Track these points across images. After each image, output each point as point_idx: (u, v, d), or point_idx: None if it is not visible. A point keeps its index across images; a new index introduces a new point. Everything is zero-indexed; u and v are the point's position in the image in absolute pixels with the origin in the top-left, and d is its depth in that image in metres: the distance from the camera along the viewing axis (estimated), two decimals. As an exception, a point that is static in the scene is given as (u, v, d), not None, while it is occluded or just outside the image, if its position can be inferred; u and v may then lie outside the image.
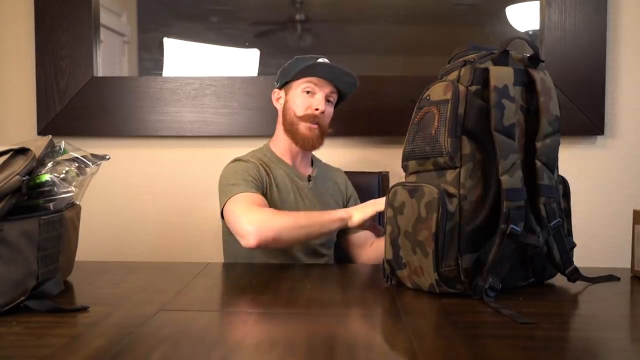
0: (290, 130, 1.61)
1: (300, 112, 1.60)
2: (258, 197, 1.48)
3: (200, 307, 1.09)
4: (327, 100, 1.62)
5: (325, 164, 1.78)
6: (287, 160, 1.65)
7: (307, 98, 1.60)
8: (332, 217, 1.43)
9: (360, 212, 1.43)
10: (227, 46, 2.15)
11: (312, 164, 1.71)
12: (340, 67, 1.60)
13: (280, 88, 1.67)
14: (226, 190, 1.50)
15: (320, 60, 1.61)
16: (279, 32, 2.12)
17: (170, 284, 1.21)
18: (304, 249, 1.60)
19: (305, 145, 1.61)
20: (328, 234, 1.45)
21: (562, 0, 1.96)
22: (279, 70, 1.68)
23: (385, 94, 1.98)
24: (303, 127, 1.59)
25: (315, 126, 1.59)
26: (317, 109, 1.58)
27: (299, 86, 1.61)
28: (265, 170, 1.60)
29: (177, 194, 2.06)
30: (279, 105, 1.67)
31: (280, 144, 1.65)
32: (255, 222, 1.38)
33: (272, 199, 1.58)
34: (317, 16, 2.14)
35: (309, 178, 1.66)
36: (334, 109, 1.69)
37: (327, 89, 1.61)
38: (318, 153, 1.75)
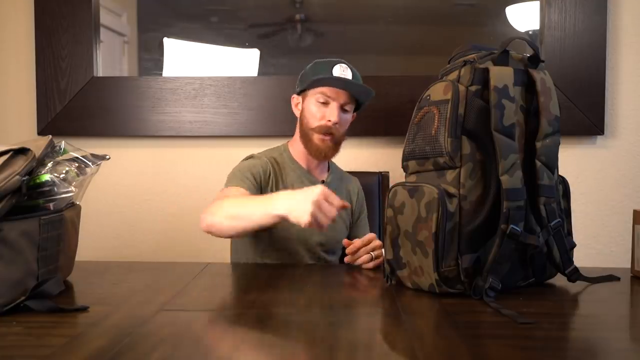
0: (305, 139, 1.61)
1: (313, 123, 1.59)
2: (237, 191, 1.49)
3: (200, 307, 1.09)
4: (343, 110, 1.60)
5: (342, 171, 1.77)
6: (303, 163, 1.65)
7: (320, 108, 1.58)
8: (266, 210, 1.28)
9: (296, 214, 1.22)
10: (227, 46, 2.15)
11: (328, 168, 1.71)
12: (352, 82, 1.57)
13: (298, 94, 1.66)
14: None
15: (336, 68, 1.57)
16: (279, 32, 2.12)
17: (170, 284, 1.21)
18: (309, 256, 1.61)
19: (318, 156, 1.61)
20: (263, 224, 1.31)
21: (562, 0, 1.96)
22: (300, 74, 1.66)
23: (385, 94, 1.98)
24: (316, 138, 1.58)
25: (328, 137, 1.58)
26: (329, 120, 1.57)
27: (314, 95, 1.59)
28: (274, 170, 1.60)
29: (177, 194, 2.06)
30: (297, 112, 1.66)
31: (298, 147, 1.65)
32: (208, 210, 1.40)
33: None
34: (317, 16, 2.14)
35: (323, 182, 1.66)
36: (356, 112, 1.68)
37: (342, 98, 1.58)
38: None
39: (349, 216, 1.71)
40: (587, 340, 0.91)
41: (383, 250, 1.33)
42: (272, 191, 1.57)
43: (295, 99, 1.67)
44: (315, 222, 1.19)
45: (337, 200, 1.22)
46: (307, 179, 1.64)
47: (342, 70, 1.58)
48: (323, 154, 1.60)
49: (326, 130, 1.57)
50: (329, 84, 1.57)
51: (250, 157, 1.64)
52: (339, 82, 1.56)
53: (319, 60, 1.63)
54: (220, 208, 1.39)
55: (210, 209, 1.40)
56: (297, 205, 1.22)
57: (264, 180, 1.57)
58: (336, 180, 1.70)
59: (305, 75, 1.62)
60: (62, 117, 2.02)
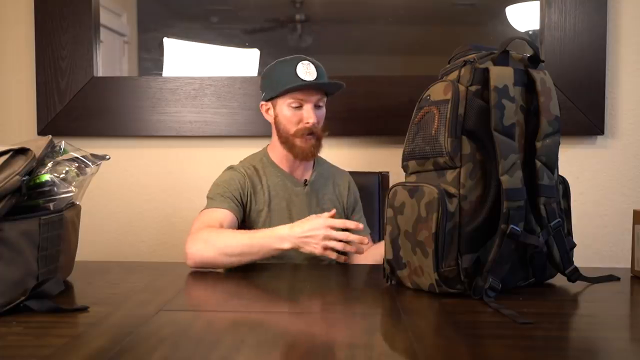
0: (287, 145, 1.60)
1: (292, 128, 1.58)
2: (221, 214, 1.49)
3: (200, 307, 1.09)
4: (317, 106, 1.60)
5: (331, 165, 1.76)
6: (284, 166, 1.65)
7: (295, 112, 1.58)
8: (271, 247, 1.36)
9: (299, 245, 1.36)
10: (227, 46, 2.15)
11: (313, 165, 1.70)
12: (322, 82, 1.57)
13: (267, 101, 1.64)
14: (206, 203, 1.55)
15: (299, 68, 1.55)
16: (279, 32, 2.12)
17: (170, 284, 1.21)
18: (305, 255, 1.60)
19: (305, 157, 1.61)
20: (266, 257, 1.39)
21: (562, 0, 1.96)
22: (261, 77, 1.65)
23: (385, 94, 1.98)
24: (298, 141, 1.58)
25: (310, 136, 1.58)
26: (308, 123, 1.56)
27: (285, 101, 1.58)
28: (252, 182, 1.60)
29: (177, 194, 2.06)
30: (269, 118, 1.65)
31: (277, 152, 1.64)
32: (194, 245, 1.37)
33: (260, 207, 1.59)
34: (317, 16, 2.14)
35: (305, 182, 1.66)
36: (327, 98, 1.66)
37: (314, 98, 1.58)
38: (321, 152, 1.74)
39: (341, 213, 1.70)
40: (587, 340, 0.91)
41: (383, 250, 1.33)
42: (249, 205, 1.58)
43: (265, 105, 1.65)
44: (326, 251, 1.35)
45: (340, 223, 1.36)
46: (290, 180, 1.64)
47: (305, 68, 1.56)
48: (310, 154, 1.60)
49: (307, 132, 1.57)
50: (300, 90, 1.56)
51: (230, 168, 1.63)
52: (311, 86, 1.55)
53: (280, 61, 1.60)
54: (209, 245, 1.36)
55: (196, 244, 1.37)
56: (307, 240, 1.35)
57: (243, 195, 1.58)
58: (321, 177, 1.69)
59: (270, 81, 1.60)
60: (62, 117, 2.02)
